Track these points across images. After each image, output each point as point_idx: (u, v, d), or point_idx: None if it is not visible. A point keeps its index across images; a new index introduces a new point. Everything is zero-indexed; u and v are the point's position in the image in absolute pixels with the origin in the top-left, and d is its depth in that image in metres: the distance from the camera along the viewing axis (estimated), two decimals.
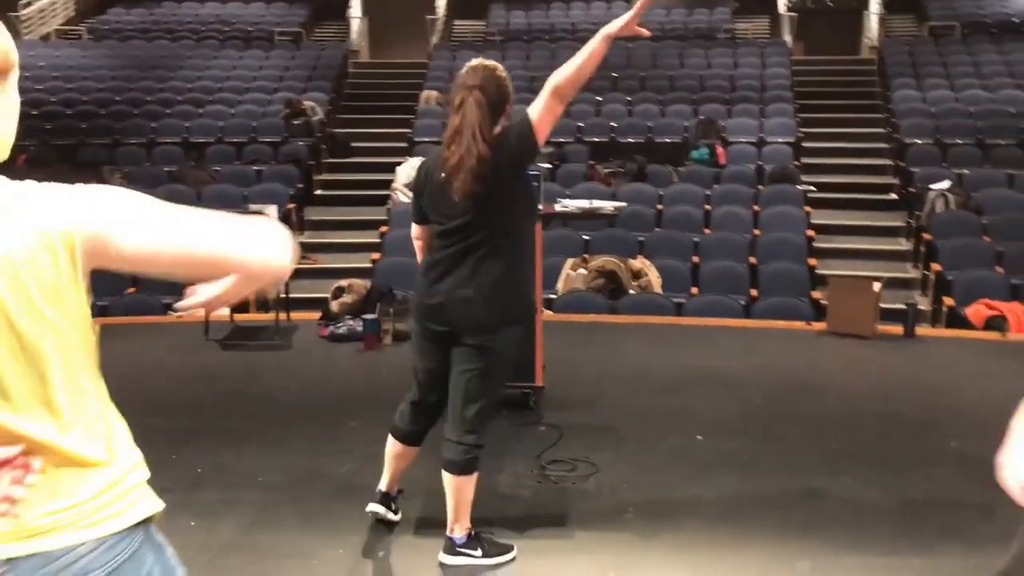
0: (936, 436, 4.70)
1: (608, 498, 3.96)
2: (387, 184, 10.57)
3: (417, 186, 3.28)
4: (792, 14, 16.53)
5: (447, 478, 3.26)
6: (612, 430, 4.72)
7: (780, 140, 11.60)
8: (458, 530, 3.32)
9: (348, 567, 3.43)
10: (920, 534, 3.64)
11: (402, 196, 10.09)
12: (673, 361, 5.98)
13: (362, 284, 6.75)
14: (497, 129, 3.04)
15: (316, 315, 6.86)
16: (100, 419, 1.38)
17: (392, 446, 3.50)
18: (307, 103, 12.55)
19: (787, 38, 16.01)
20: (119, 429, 1.42)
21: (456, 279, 3.10)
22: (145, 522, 1.41)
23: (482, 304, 3.07)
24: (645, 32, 3.02)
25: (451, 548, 3.34)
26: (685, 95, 12.95)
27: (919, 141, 11.34)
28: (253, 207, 8.24)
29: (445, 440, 3.26)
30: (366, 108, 13.92)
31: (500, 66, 3.09)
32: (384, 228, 9.35)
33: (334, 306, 6.60)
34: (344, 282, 6.80)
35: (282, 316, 6.58)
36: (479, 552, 3.34)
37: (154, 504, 1.42)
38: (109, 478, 1.37)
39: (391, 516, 3.59)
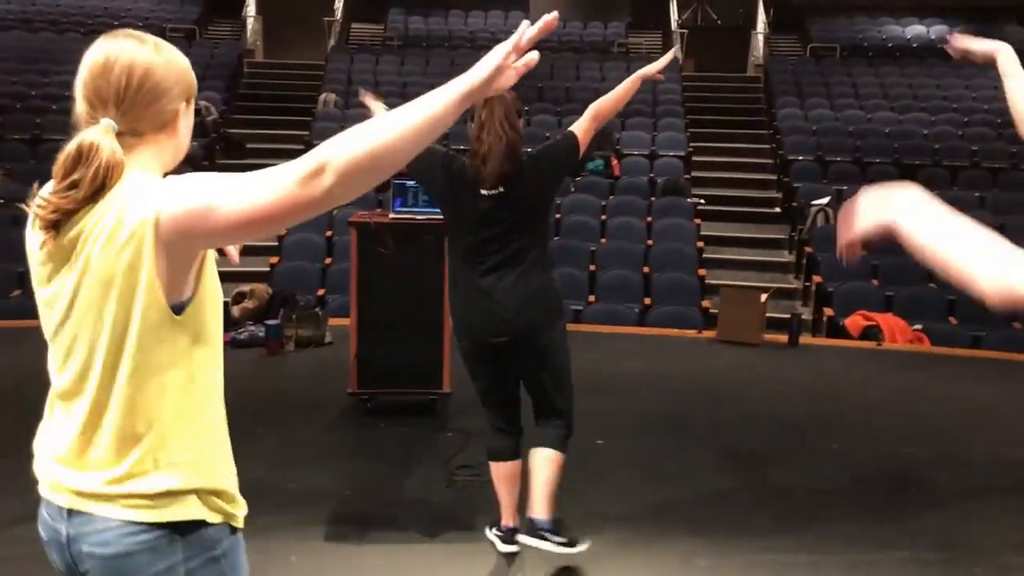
0: (820, 438, 5.00)
1: None
2: None
3: (439, 177, 3.26)
4: (683, 30, 17.06)
5: (546, 455, 3.37)
6: None
7: (671, 154, 11.97)
8: (549, 513, 3.37)
9: (265, 570, 3.45)
10: (804, 532, 3.89)
11: None
12: (574, 366, 6.12)
13: (264, 289, 6.71)
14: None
15: None
16: (157, 416, 1.49)
17: (499, 469, 3.50)
18: (201, 102, 12.32)
19: (678, 54, 16.52)
20: (183, 434, 1.52)
21: (509, 289, 3.22)
22: (188, 528, 1.51)
23: (536, 309, 3.27)
24: (661, 77, 3.73)
25: (538, 530, 3.38)
26: (581, 107, 12.83)
27: (801, 158, 11.89)
28: None
29: (538, 429, 3.43)
30: (261, 109, 13.73)
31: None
32: (282, 232, 9.27)
33: (235, 311, 6.54)
34: (246, 287, 6.74)
35: None
36: (564, 539, 3.39)
37: (195, 512, 1.52)
38: (150, 472, 1.49)
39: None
